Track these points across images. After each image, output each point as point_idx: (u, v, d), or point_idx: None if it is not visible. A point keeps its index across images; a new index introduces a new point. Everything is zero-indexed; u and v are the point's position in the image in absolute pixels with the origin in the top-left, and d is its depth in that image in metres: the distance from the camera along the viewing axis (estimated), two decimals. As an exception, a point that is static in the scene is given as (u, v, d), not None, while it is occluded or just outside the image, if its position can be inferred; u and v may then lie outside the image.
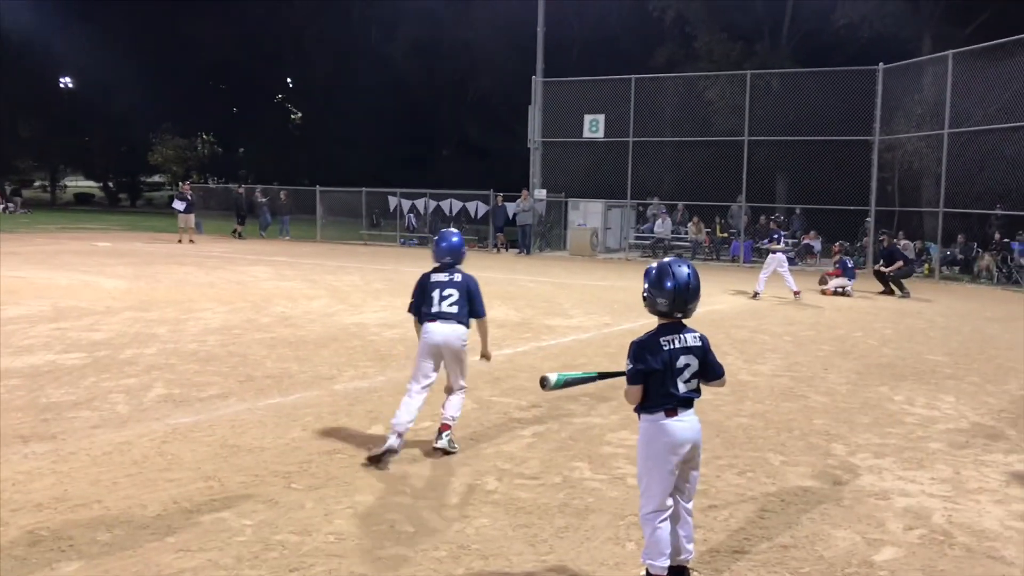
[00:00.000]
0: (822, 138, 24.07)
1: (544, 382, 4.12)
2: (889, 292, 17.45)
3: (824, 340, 11.37)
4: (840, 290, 17.12)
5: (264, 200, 32.90)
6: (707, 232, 27.00)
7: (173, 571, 3.94)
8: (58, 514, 4.55)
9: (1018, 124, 19.73)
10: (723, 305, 14.98)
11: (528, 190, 28.14)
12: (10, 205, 49.66)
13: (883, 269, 17.64)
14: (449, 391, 6.03)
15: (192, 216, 28.79)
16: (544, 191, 28.74)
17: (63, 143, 66.44)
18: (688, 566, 3.95)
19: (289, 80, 69.00)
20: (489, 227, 29.28)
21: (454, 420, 5.98)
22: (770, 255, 16.31)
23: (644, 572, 3.83)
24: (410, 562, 4.11)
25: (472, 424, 6.57)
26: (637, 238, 28.40)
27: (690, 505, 3.91)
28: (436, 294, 5.86)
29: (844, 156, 24.29)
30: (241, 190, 33.84)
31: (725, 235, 27.26)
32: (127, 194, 74.56)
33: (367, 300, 14.11)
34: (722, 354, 8.94)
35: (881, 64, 23.97)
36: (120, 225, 39.29)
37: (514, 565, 4.12)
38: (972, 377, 9.09)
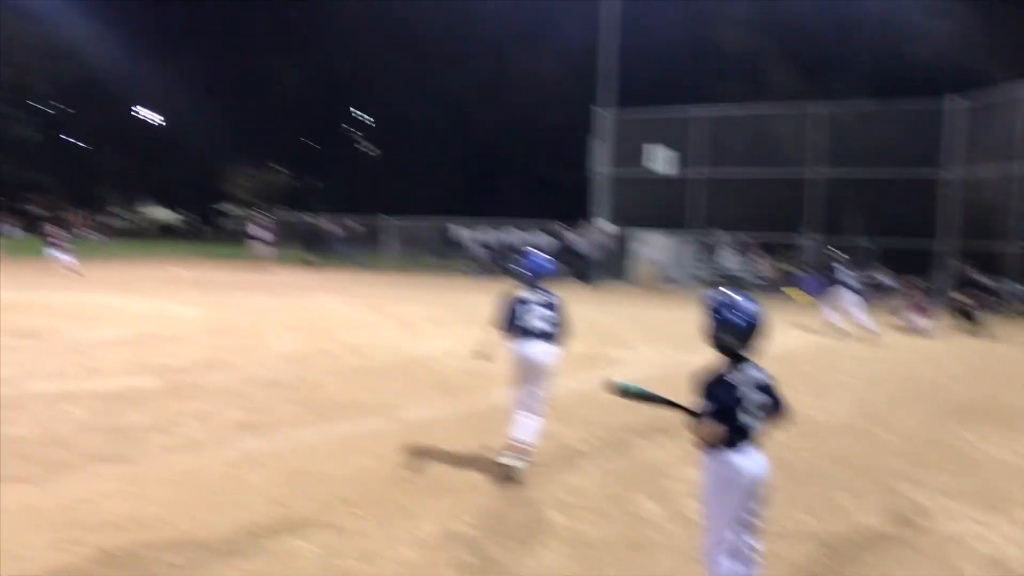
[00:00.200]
0: (893, 170, 23.61)
1: (612, 386, 4.07)
2: (966, 328, 16.96)
3: (896, 378, 11.10)
4: (915, 326, 16.69)
5: (335, 231, 33.52)
6: (773, 265, 26.61)
7: (241, 593, 4.03)
8: (131, 534, 4.69)
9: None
10: (790, 340, 14.73)
11: (591, 221, 28.14)
12: (96, 234, 51.54)
13: (961, 300, 17.14)
14: (524, 409, 6.06)
15: (268, 246, 29.48)
16: (607, 222, 28.72)
17: (145, 174, 68.80)
18: (752, 605, 3.89)
19: (361, 113, 70.48)
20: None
21: (529, 445, 6.00)
22: (839, 291, 16.01)
23: (708, 610, 3.78)
24: (472, 592, 4.13)
25: (535, 455, 6.57)
26: (702, 270, 28.14)
27: (755, 542, 3.86)
28: (526, 312, 6.04)
29: (915, 190, 23.77)
30: (314, 220, 34.54)
31: (792, 269, 26.82)
32: (205, 223, 76.64)
33: (433, 330, 14.24)
34: (790, 390, 8.80)
35: (955, 96, 23.46)
36: (197, 253, 40.39)
37: (575, 599, 4.10)
38: (1053, 418, 8.77)
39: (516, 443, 5.99)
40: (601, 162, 28.83)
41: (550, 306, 6.13)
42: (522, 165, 57.08)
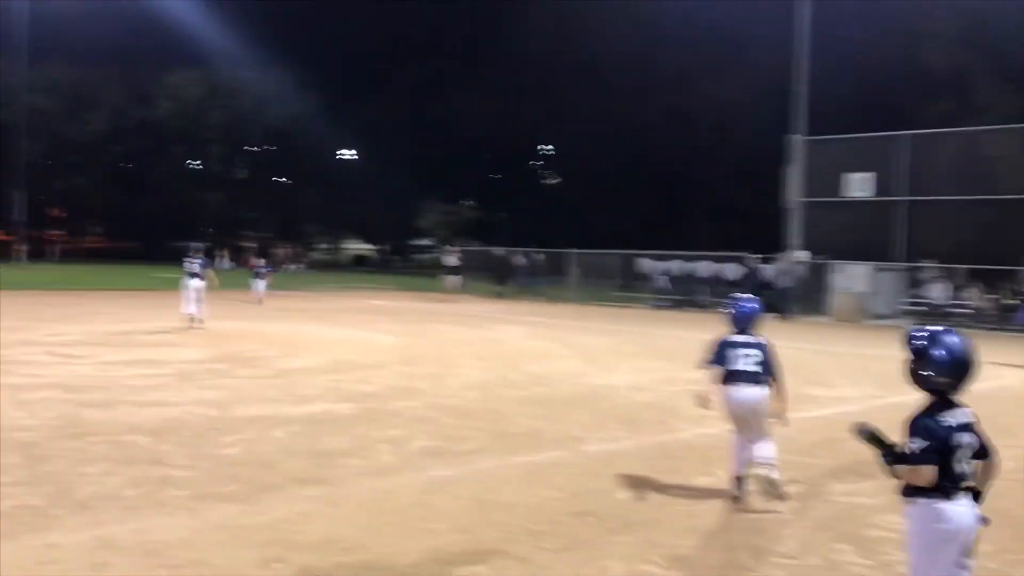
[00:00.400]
0: None
1: (860, 429, 3.78)
2: None
3: None
4: None
5: (521, 262, 34.09)
6: (991, 299, 24.56)
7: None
8: (329, 555, 4.86)
9: None
10: (1011, 380, 13.50)
11: (787, 252, 27.08)
12: (298, 266, 55.12)
13: None
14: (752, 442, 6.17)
15: (458, 278, 30.40)
16: (804, 253, 27.54)
17: (343, 209, 72.92)
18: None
19: (546, 147, 71.69)
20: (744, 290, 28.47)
21: (774, 459, 6.07)
22: None
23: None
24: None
25: (727, 496, 6.31)
26: (909, 304, 26.34)
27: (966, 597, 3.49)
28: (737, 355, 6.11)
29: None
30: (501, 253, 35.28)
31: (1013, 302, 24.66)
32: (398, 256, 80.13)
33: (617, 362, 14.10)
34: (1011, 434, 8.03)
35: None
36: (391, 285, 42.21)
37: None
38: None
39: (763, 461, 6.09)
40: (795, 190, 27.76)
41: (760, 348, 6.20)
42: (710, 195, 56.04)
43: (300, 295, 31.89)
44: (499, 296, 32.56)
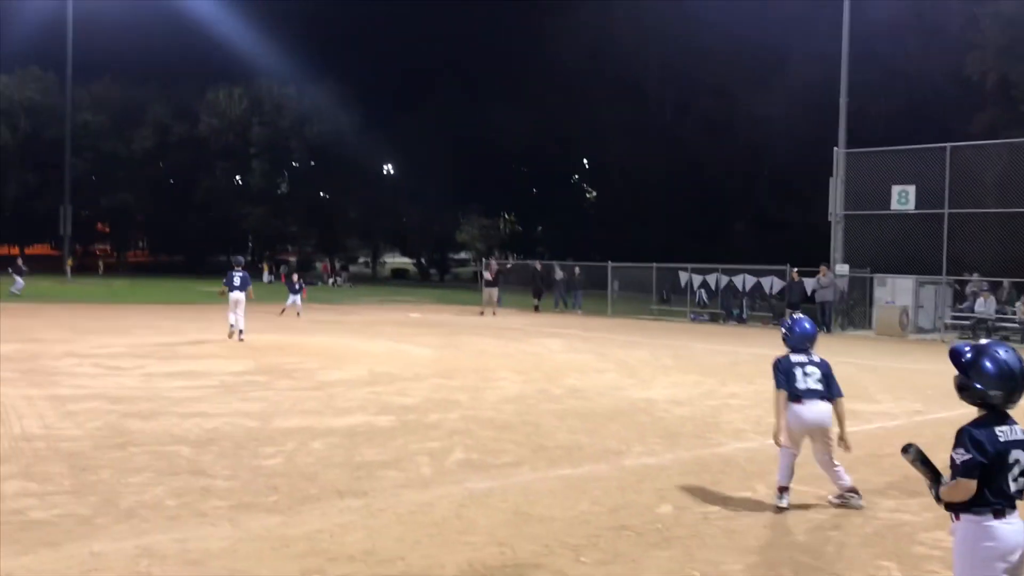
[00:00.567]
0: None
1: (907, 449, 3.72)
2: None
3: None
4: None
5: (559, 275, 34.05)
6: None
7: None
8: (367, 567, 4.87)
9: None
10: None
11: (828, 265, 26.76)
12: (337, 279, 55.61)
13: None
14: (824, 464, 6.36)
15: (496, 290, 30.45)
16: (846, 266, 27.18)
17: (383, 223, 73.48)
18: None
19: (584, 161, 71.68)
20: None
21: (850, 481, 6.36)
22: None
23: None
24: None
25: (767, 510, 6.23)
26: (954, 318, 25.86)
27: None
28: (799, 373, 6.22)
29: None
30: (539, 266, 35.28)
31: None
32: (436, 269, 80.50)
33: (656, 375, 14.01)
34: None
35: None
36: (430, 298, 42.40)
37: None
38: None
39: (845, 488, 6.34)
40: (838, 203, 27.42)
41: (820, 366, 6.34)
42: (750, 208, 55.66)
43: (339, 308, 32.16)
44: (536, 309, 32.54)
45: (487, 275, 30.23)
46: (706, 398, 11.60)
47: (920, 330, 25.68)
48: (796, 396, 6.17)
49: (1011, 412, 3.42)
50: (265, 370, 13.32)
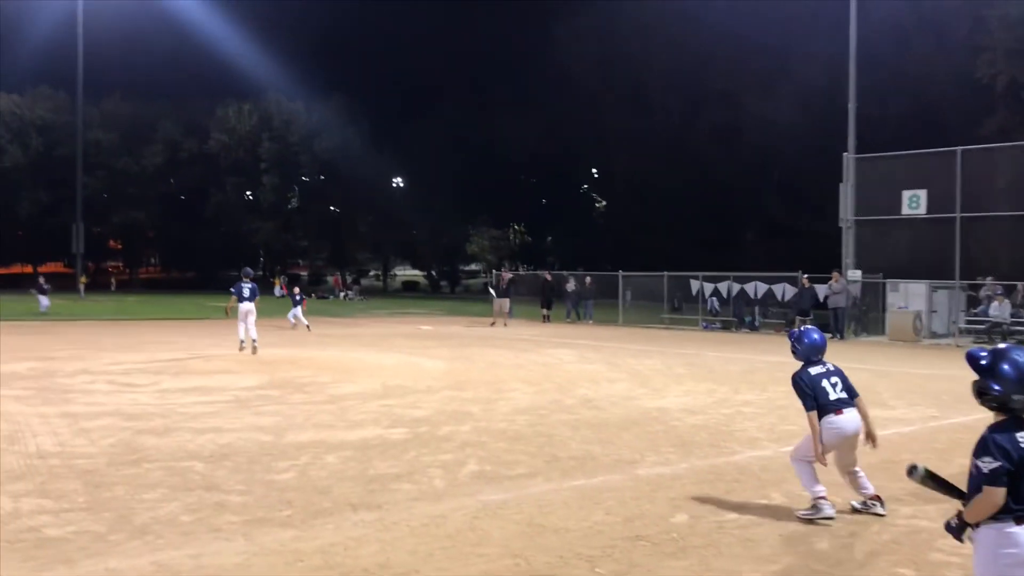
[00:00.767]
0: None
1: (912, 470, 3.70)
2: None
3: None
4: None
5: (570, 285, 34.04)
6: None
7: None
8: (381, 580, 4.86)
9: None
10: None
11: (840, 271, 26.66)
12: (349, 292, 55.77)
13: None
14: (851, 471, 6.32)
15: (506, 301, 30.46)
16: (858, 272, 27.08)
17: (393, 236, 73.70)
18: None
19: (593, 170, 71.75)
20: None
21: (873, 488, 6.36)
22: None
23: None
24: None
25: (783, 519, 6.19)
26: (968, 322, 25.70)
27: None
28: (826, 384, 6.15)
29: None
30: (548, 276, 35.28)
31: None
32: (447, 281, 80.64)
33: (669, 384, 13.96)
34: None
35: None
36: (441, 310, 42.43)
37: None
38: None
39: (870, 495, 6.35)
40: (848, 209, 27.35)
41: (838, 374, 6.29)
42: (760, 214, 55.55)
43: (351, 321, 32.23)
44: (546, 319, 32.53)
45: (496, 287, 30.30)
46: (719, 406, 11.55)
47: (934, 335, 25.54)
48: (834, 409, 6.11)
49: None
50: (278, 384, 13.35)
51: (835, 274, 26.30)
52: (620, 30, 56.90)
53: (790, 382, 6.36)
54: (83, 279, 51.47)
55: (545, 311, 32.87)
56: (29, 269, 75.99)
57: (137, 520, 5.94)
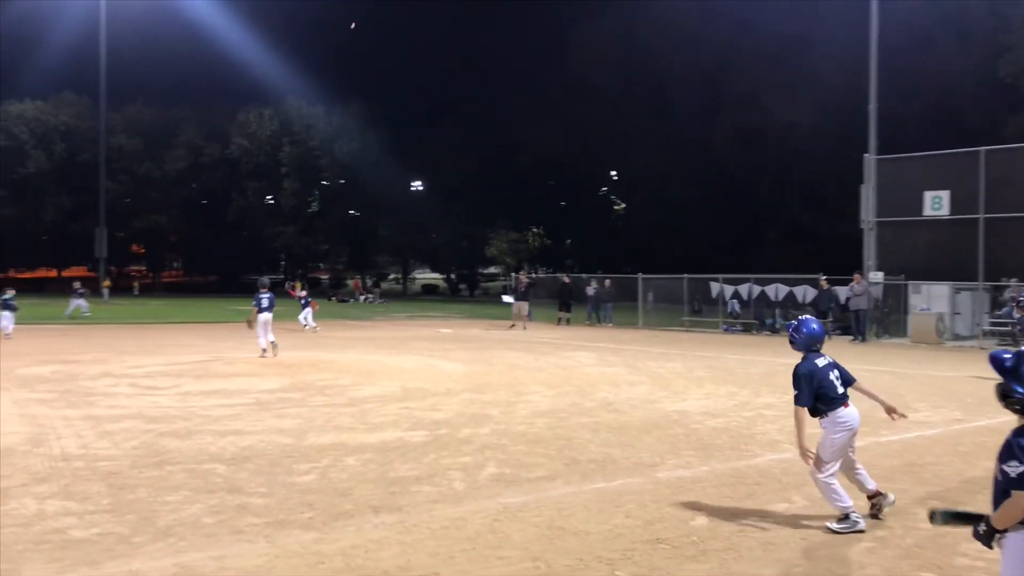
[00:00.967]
0: None
1: (932, 517, 3.65)
2: None
3: None
4: None
5: (589, 288, 33.98)
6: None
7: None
8: (402, 582, 4.88)
9: None
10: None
11: (862, 273, 26.47)
12: (369, 296, 55.93)
13: None
14: (853, 468, 6.20)
15: (525, 304, 30.45)
16: (880, 273, 26.87)
17: (413, 240, 73.87)
18: None
19: (612, 172, 71.60)
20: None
21: (874, 484, 6.27)
22: None
23: None
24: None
25: (804, 522, 6.15)
26: (992, 324, 25.42)
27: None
28: (832, 378, 6.01)
29: None
30: (567, 279, 35.23)
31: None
32: (466, 284, 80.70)
33: (689, 387, 13.91)
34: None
35: None
36: (460, 313, 42.47)
37: None
38: None
39: (869, 491, 6.25)
40: (870, 210, 27.15)
41: (836, 365, 6.15)
42: (781, 216, 55.27)
43: (371, 324, 32.33)
44: (567, 322, 32.49)
45: (515, 290, 30.32)
46: (740, 409, 11.50)
47: (957, 337, 25.30)
48: (843, 402, 5.98)
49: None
50: (298, 387, 13.42)
51: (857, 276, 26.11)
52: (639, 32, 56.80)
53: (791, 374, 6.16)
54: (106, 283, 51.90)
55: (564, 314, 32.83)
56: (54, 273, 76.86)
57: (160, 522, 5.99)
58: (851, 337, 25.82)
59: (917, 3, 38.09)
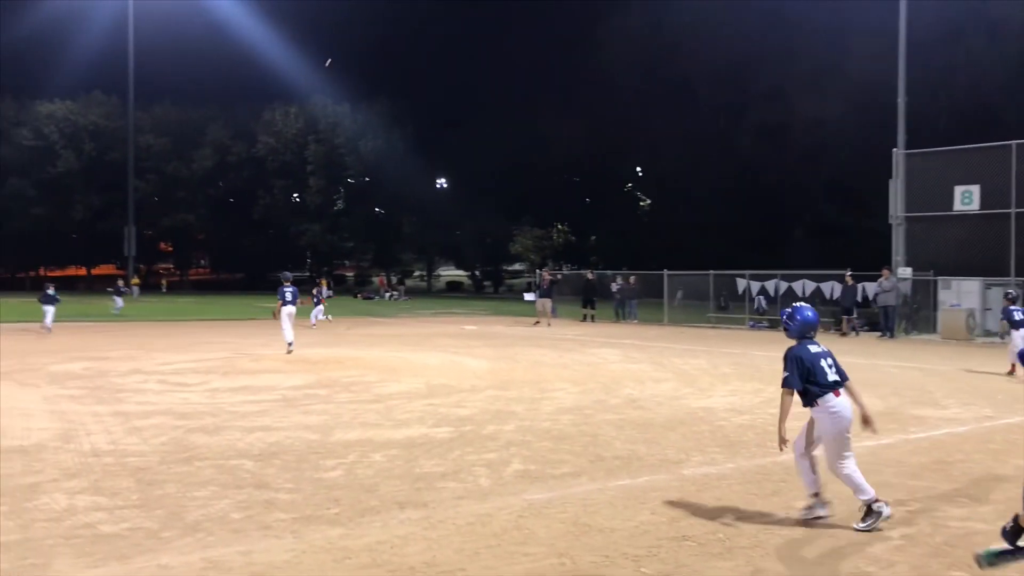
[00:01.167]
0: None
1: (979, 561, 3.58)
2: None
3: None
4: None
5: (613, 285, 33.90)
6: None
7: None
8: (441, 578, 4.90)
9: None
10: None
11: (890, 268, 26.20)
12: (394, 293, 56.15)
13: None
14: (810, 459, 6.04)
15: (548, 301, 30.43)
16: (909, 269, 26.59)
17: (437, 237, 74.08)
18: None
19: (638, 169, 71.36)
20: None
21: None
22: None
23: None
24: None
25: (831, 520, 6.10)
26: None
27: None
28: (823, 364, 5.88)
29: None
30: (591, 276, 35.17)
31: None
32: (490, 281, 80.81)
33: (715, 384, 13.84)
34: None
35: None
36: (484, 310, 42.52)
37: None
38: None
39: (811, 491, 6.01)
40: (899, 205, 26.86)
41: (829, 354, 6.00)
42: (808, 212, 54.83)
43: (395, 321, 32.45)
44: (592, 319, 32.43)
45: (539, 286, 30.31)
46: (767, 406, 11.42)
47: (988, 333, 24.98)
48: (832, 389, 5.82)
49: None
50: (325, 384, 13.49)
51: (885, 272, 25.86)
52: (664, 29, 56.58)
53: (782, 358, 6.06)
54: (135, 280, 52.48)
55: (588, 311, 32.77)
56: (83, 271, 77.82)
57: (189, 517, 6.04)
58: (879, 333, 25.58)
59: (947, -4, 37.64)
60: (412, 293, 62.28)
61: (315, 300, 27.24)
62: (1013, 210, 23.95)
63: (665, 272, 33.49)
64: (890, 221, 27.35)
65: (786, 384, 5.91)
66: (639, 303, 33.49)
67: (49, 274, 70.97)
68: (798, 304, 6.35)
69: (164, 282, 71.09)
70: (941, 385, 14.08)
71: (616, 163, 66.42)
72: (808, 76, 48.77)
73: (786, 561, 5.27)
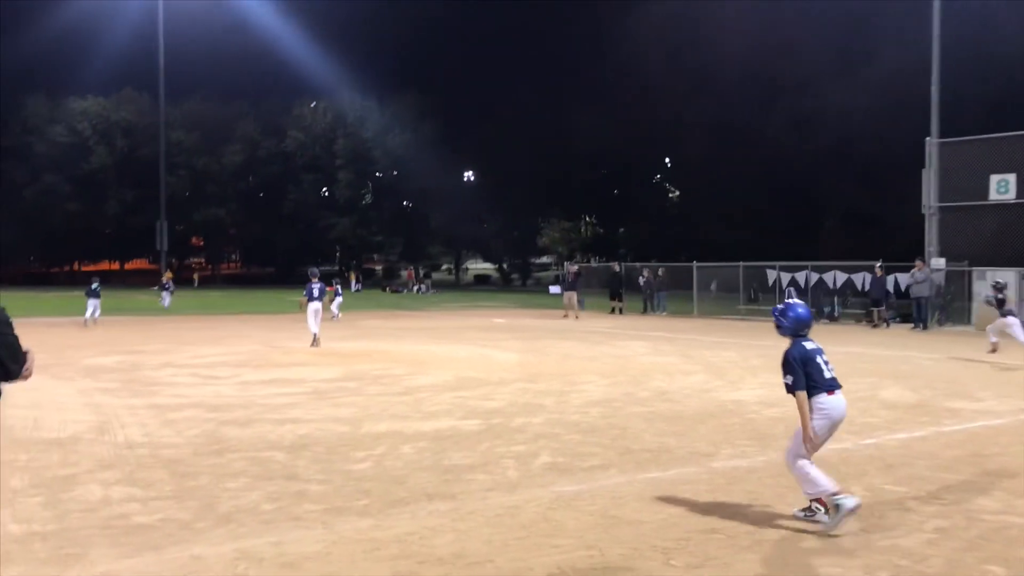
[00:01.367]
0: None
1: None
2: None
3: None
4: None
5: (643, 277, 33.77)
6: None
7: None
8: (457, 570, 4.91)
9: None
10: None
11: (923, 259, 25.86)
12: (422, 286, 56.34)
13: None
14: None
15: (574, 294, 30.38)
16: (943, 260, 26.22)
17: (465, 230, 74.22)
18: None
19: (667, 160, 70.95)
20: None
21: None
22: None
23: None
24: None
25: (863, 514, 6.04)
26: (1060, 311, 24.65)
27: None
28: (821, 362, 5.81)
29: None
30: (617, 268, 35.05)
31: None
32: (518, 274, 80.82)
33: (745, 377, 13.76)
34: None
35: None
36: (512, 303, 42.54)
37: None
38: None
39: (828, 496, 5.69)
40: (932, 195, 26.48)
41: (823, 353, 5.93)
42: (840, 203, 54.19)
43: (423, 314, 32.57)
44: (620, 312, 32.33)
45: (566, 279, 30.31)
46: (797, 398, 11.32)
47: (1024, 324, 24.54)
48: (827, 388, 5.73)
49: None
50: (354, 376, 13.58)
51: (918, 262, 25.53)
52: (691, 18, 56.08)
53: (781, 361, 5.95)
54: (168, 275, 53.10)
55: (616, 303, 32.66)
56: (116, 266, 78.83)
57: (221, 508, 6.11)
58: (912, 325, 25.27)
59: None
60: (440, 286, 62.44)
61: (336, 292, 27.46)
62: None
63: (695, 264, 33.30)
64: (923, 211, 26.98)
65: (796, 387, 5.79)
66: (668, 295, 33.32)
67: (83, 269, 72.04)
68: (791, 301, 6.27)
69: (196, 276, 71.83)
70: (977, 377, 13.89)
71: (644, 155, 66.03)
72: (839, 65, 48.13)
73: (816, 553, 5.23)
